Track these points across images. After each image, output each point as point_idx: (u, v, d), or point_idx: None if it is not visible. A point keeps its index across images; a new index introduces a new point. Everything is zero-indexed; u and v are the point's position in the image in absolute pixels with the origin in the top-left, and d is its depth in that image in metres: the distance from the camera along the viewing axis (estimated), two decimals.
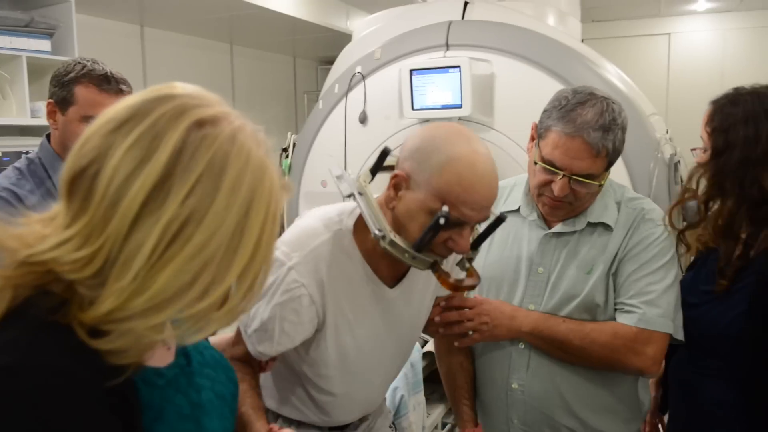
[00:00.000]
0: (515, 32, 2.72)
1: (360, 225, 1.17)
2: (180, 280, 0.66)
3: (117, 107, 0.71)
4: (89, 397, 0.64)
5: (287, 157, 3.37)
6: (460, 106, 2.64)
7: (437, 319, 1.33)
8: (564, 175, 1.29)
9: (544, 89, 2.60)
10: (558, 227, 1.41)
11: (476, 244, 1.17)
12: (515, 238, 1.45)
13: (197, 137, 0.68)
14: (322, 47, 5.75)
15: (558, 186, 1.30)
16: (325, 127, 3.14)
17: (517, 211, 1.46)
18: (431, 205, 1.05)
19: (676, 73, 5.64)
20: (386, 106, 2.91)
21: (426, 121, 2.79)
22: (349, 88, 3.02)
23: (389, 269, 1.20)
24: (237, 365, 1.10)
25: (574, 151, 1.27)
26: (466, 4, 3.00)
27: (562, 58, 2.66)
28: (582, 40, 4.11)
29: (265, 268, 0.74)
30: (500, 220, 1.13)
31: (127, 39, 4.27)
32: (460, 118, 2.71)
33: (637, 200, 1.43)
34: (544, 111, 1.34)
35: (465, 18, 2.93)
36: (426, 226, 1.06)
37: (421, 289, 1.27)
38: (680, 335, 1.36)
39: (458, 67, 2.61)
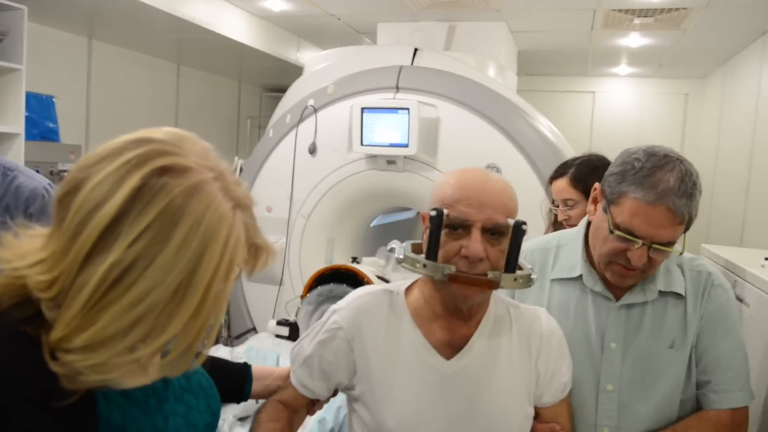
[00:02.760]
0: (461, 81, 2.94)
1: (411, 287, 1.16)
2: (118, 324, 0.66)
3: (110, 142, 0.72)
4: (32, 410, 0.66)
5: None
6: (406, 146, 2.82)
7: None
8: (643, 244, 1.18)
9: (484, 135, 2.85)
10: (627, 298, 1.28)
11: (509, 260, 1.05)
12: (578, 308, 1.31)
13: (156, 184, 0.67)
14: (268, 74, 5.83)
15: (636, 255, 1.18)
16: (274, 154, 3.24)
17: (578, 279, 1.32)
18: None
19: (599, 128, 6.09)
20: (336, 139, 3.05)
21: (374, 156, 2.95)
22: (301, 119, 3.14)
23: (443, 332, 1.11)
24: (279, 408, 1.15)
25: (657, 220, 1.17)
26: (415, 50, 3.21)
27: (502, 109, 2.89)
28: (517, 92, 4.44)
29: (213, 326, 0.73)
30: (518, 228, 1.03)
31: (74, 50, 4.22)
32: (405, 157, 2.89)
33: (696, 260, 1.34)
34: (613, 174, 1.21)
35: (414, 63, 3.13)
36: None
37: (502, 373, 1.11)
38: (753, 398, 1.30)
39: (407, 109, 2.80)
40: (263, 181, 3.25)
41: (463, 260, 1.03)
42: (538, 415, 1.15)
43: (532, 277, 1.07)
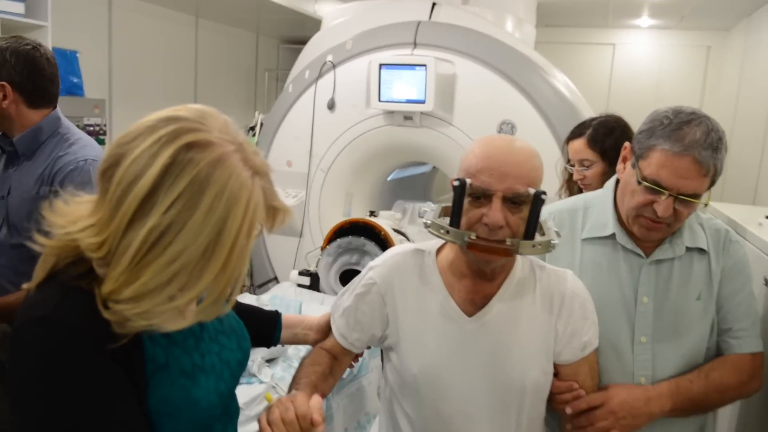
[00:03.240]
0: (478, 38, 2.96)
1: (443, 247, 1.25)
2: (158, 279, 0.76)
3: (142, 120, 0.80)
4: (91, 351, 0.77)
5: (254, 135, 3.52)
6: (423, 102, 2.87)
7: (569, 427, 1.24)
8: (669, 195, 1.23)
9: (501, 92, 2.89)
10: (657, 254, 1.34)
11: (528, 228, 1.09)
12: (610, 267, 1.36)
13: (185, 158, 0.76)
14: (285, 27, 5.81)
15: (662, 206, 1.24)
16: (294, 110, 3.31)
17: (610, 237, 1.37)
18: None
19: (618, 81, 6.02)
20: (354, 95, 3.11)
21: (391, 112, 3.01)
22: (320, 75, 3.20)
23: (467, 291, 1.19)
24: (321, 353, 1.25)
25: (684, 171, 1.22)
26: (433, 5, 3.21)
27: (518, 65, 2.92)
28: (536, 43, 4.42)
29: (238, 277, 0.82)
30: (537, 197, 1.07)
31: (95, 5, 4.26)
32: (422, 113, 2.95)
33: (712, 220, 1.42)
34: (642, 132, 1.28)
35: (432, 19, 3.15)
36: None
37: (521, 332, 1.18)
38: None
39: (424, 65, 2.84)
40: (283, 136, 3.34)
41: (483, 227, 1.08)
42: (558, 373, 1.21)
43: (552, 242, 1.11)
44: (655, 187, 1.22)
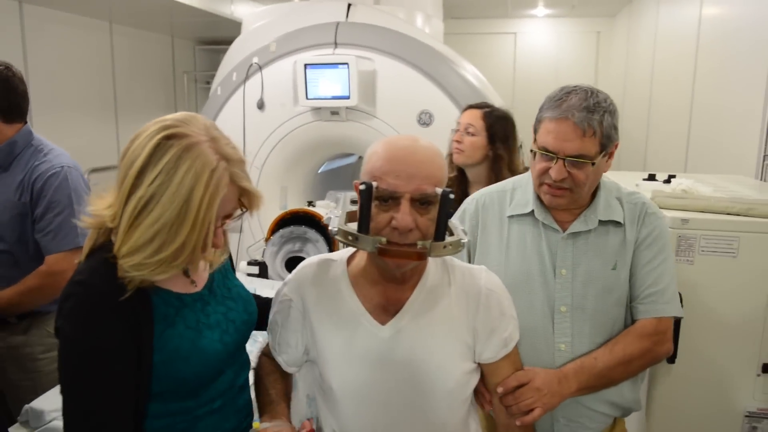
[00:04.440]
0: (393, 36, 3.22)
1: (354, 254, 1.22)
2: (144, 237, 1.01)
3: (145, 125, 1.05)
4: (107, 306, 1.03)
5: None
6: (348, 97, 3.11)
7: (486, 408, 1.27)
8: (558, 158, 1.33)
9: (417, 84, 3.19)
10: (572, 227, 1.41)
11: (438, 229, 1.08)
12: (532, 241, 1.43)
13: (165, 145, 1.01)
14: (200, 28, 5.86)
15: (555, 169, 1.33)
16: (224, 111, 3.46)
17: (530, 214, 1.45)
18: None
19: (521, 66, 6.51)
20: (282, 94, 3.30)
21: (318, 109, 3.24)
22: (247, 77, 3.36)
23: (380, 297, 1.16)
24: (268, 361, 1.29)
25: (564, 133, 1.32)
26: (349, 6, 3.45)
27: (430, 59, 3.21)
28: (444, 35, 4.75)
29: (204, 239, 1.04)
30: (445, 197, 1.05)
31: (6, 14, 4.20)
32: (347, 108, 3.19)
33: (634, 195, 1.47)
34: (539, 110, 1.39)
35: (349, 19, 3.38)
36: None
37: (438, 334, 1.16)
38: (681, 313, 1.43)
39: (347, 63, 3.07)
40: None
41: (393, 231, 1.06)
42: (481, 371, 1.22)
43: (462, 241, 1.10)
44: (544, 152, 1.35)
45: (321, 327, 1.18)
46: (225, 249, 1.23)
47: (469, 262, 1.51)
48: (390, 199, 1.06)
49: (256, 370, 1.29)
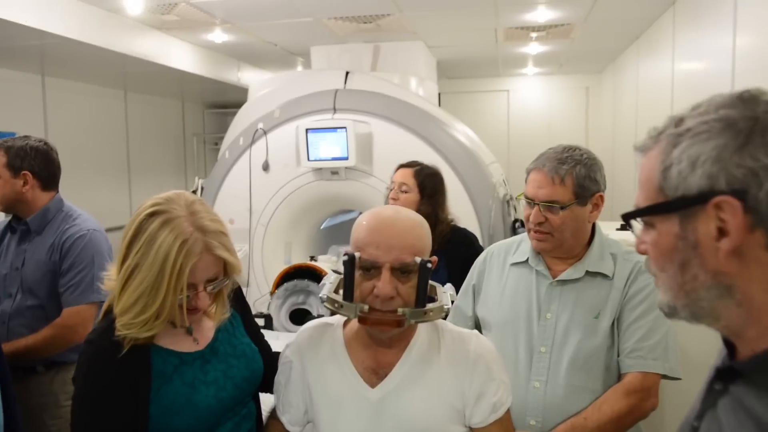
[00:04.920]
0: (388, 101, 3.48)
1: (348, 319, 1.25)
2: (130, 300, 1.15)
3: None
4: (108, 362, 1.17)
5: None
6: (347, 158, 3.34)
7: None
8: (535, 204, 1.49)
9: (411, 145, 3.42)
10: (562, 275, 1.51)
11: (418, 296, 1.12)
12: (525, 287, 1.54)
13: (146, 223, 1.16)
14: (209, 93, 6.22)
15: (532, 214, 1.49)
16: (232, 173, 3.69)
17: (526, 262, 1.56)
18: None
19: (514, 121, 6.79)
20: (285, 156, 3.54)
21: (319, 169, 3.47)
22: (253, 141, 3.62)
23: (370, 360, 1.20)
24: (278, 423, 1.31)
25: (538, 182, 1.49)
26: (347, 74, 3.73)
27: (423, 121, 3.45)
28: (439, 94, 5.04)
29: (178, 302, 1.16)
30: (423, 266, 1.10)
31: (29, 87, 4.52)
32: (346, 168, 3.42)
33: (631, 253, 1.53)
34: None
35: (347, 86, 3.66)
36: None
37: (426, 398, 1.17)
38: (678, 374, 1.45)
39: (345, 127, 3.32)
40: (224, 196, 3.71)
41: (376, 298, 1.11)
42: None
43: (445, 307, 1.15)
44: (527, 200, 1.52)
45: (317, 388, 1.22)
46: (226, 308, 1.32)
47: (473, 302, 1.67)
48: (372, 269, 1.11)
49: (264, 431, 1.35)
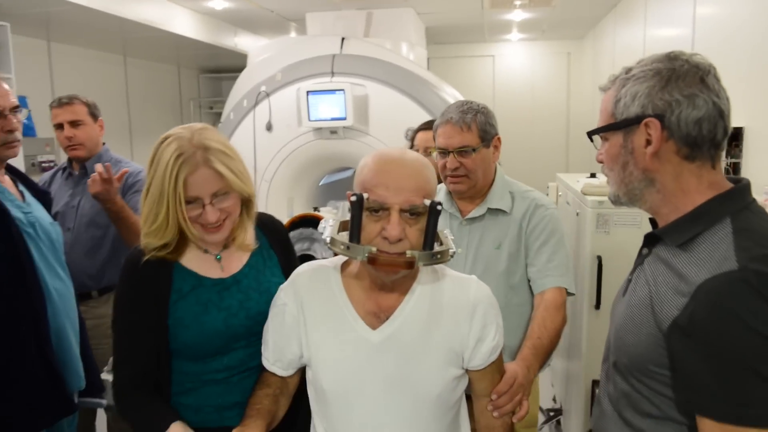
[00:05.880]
0: (382, 65, 3.75)
1: (348, 261, 1.25)
2: (146, 213, 1.28)
3: None
4: (135, 271, 1.30)
5: None
6: (345, 119, 3.62)
7: (496, 414, 1.27)
8: (449, 152, 1.67)
9: (403, 106, 3.71)
10: (469, 215, 1.72)
11: (426, 239, 1.12)
12: (441, 226, 1.48)
13: (159, 146, 1.26)
14: (203, 58, 6.40)
15: (448, 161, 1.67)
16: (237, 133, 3.96)
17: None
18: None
19: (500, 86, 7.05)
20: (287, 117, 3.81)
21: (319, 129, 3.75)
22: (257, 103, 3.87)
23: (371, 303, 1.19)
24: (266, 375, 1.30)
25: (448, 133, 1.67)
26: (342, 39, 3.98)
27: (415, 84, 3.73)
28: (428, 59, 5.29)
29: (179, 212, 1.24)
30: (433, 208, 1.10)
31: (36, 53, 4.71)
32: (344, 127, 3.70)
33: (528, 192, 1.75)
34: (433, 129, 1.76)
35: (343, 51, 3.91)
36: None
37: (426, 340, 1.18)
38: (575, 290, 1.68)
39: (343, 90, 3.59)
40: None
41: (383, 241, 1.09)
42: (469, 377, 1.24)
43: (451, 251, 1.14)
44: (440, 150, 1.70)
45: (315, 330, 1.21)
46: (249, 235, 1.39)
47: None
48: (380, 210, 1.09)
49: (255, 382, 1.32)
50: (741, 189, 1.00)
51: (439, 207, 1.10)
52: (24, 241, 1.64)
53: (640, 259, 1.09)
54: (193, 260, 1.36)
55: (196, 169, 1.23)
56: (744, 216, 0.96)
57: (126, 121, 5.80)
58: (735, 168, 2.41)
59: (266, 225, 1.47)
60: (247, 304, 1.35)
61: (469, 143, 1.66)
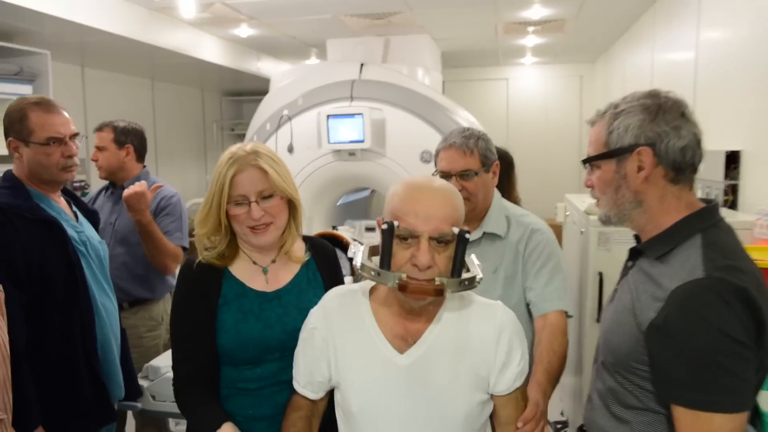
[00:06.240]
0: (399, 90, 3.92)
1: (377, 285, 1.27)
2: (200, 216, 1.38)
3: None
4: (189, 278, 1.39)
5: None
6: (363, 141, 3.78)
7: None
8: (451, 175, 1.69)
9: (419, 129, 3.88)
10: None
11: (455, 266, 1.14)
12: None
13: (221, 157, 1.37)
14: (226, 81, 6.65)
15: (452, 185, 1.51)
16: None
17: None
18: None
19: (513, 108, 7.21)
20: (308, 140, 3.98)
21: (338, 151, 3.92)
22: (279, 126, 4.07)
23: (399, 327, 1.21)
24: (292, 416, 1.32)
25: (451, 156, 1.70)
26: (362, 66, 4.17)
27: (430, 108, 3.89)
28: (444, 82, 5.46)
29: (224, 215, 1.35)
30: (461, 236, 1.12)
31: (71, 78, 4.97)
32: (362, 150, 3.87)
33: (524, 216, 1.76)
34: (434, 153, 1.80)
35: (362, 76, 4.10)
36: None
37: (452, 365, 1.20)
38: (573, 313, 1.68)
39: (361, 114, 3.76)
40: None
41: (413, 267, 1.12)
42: (494, 402, 1.25)
43: (478, 277, 1.16)
44: (443, 173, 1.72)
45: (344, 353, 1.24)
46: (296, 242, 1.47)
47: None
48: (410, 238, 1.13)
49: (287, 405, 1.35)
50: (711, 209, 1.14)
51: (467, 235, 1.13)
52: (80, 262, 1.76)
53: (625, 270, 1.23)
54: (242, 270, 1.44)
55: (244, 168, 1.34)
56: (712, 232, 1.10)
57: (152, 142, 6.02)
58: (734, 189, 2.53)
59: (316, 247, 1.54)
60: (284, 318, 1.41)
61: (471, 167, 1.70)
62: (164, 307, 2.58)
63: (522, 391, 1.26)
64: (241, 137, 7.34)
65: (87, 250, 1.85)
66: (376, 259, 1.16)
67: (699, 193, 3.15)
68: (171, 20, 4.39)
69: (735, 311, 0.99)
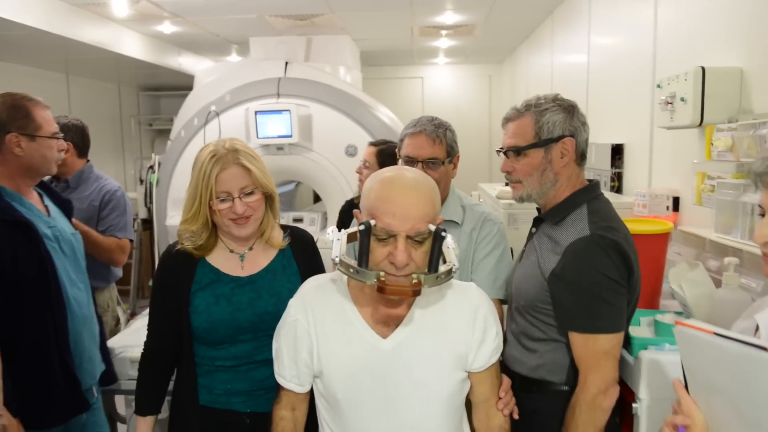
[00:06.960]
0: (323, 87, 4.13)
1: None
2: (185, 206, 1.46)
3: None
4: (167, 263, 1.51)
5: (154, 172, 4.37)
6: (290, 136, 3.97)
7: (506, 411, 1.32)
8: (417, 161, 1.68)
9: (343, 125, 4.13)
10: None
11: (430, 262, 1.15)
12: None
13: (200, 152, 1.45)
14: (143, 76, 6.58)
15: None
16: (187, 150, 4.20)
17: None
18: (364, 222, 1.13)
19: (428, 105, 7.59)
20: (236, 134, 3.97)
21: (267, 145, 4.08)
22: (207, 122, 4.17)
23: (380, 315, 1.22)
24: (280, 416, 1.33)
25: (419, 143, 1.69)
26: (286, 64, 4.35)
27: (353, 104, 4.13)
28: (363, 80, 5.72)
29: (209, 203, 1.42)
30: (438, 234, 1.13)
31: None
32: (290, 144, 4.05)
33: (477, 206, 1.80)
34: (400, 137, 1.78)
35: (287, 74, 4.27)
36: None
37: (433, 347, 1.23)
38: (502, 296, 1.71)
39: (288, 110, 3.95)
40: (180, 172, 4.20)
41: (391, 265, 1.13)
42: (471, 380, 1.29)
43: (454, 267, 1.16)
44: (408, 159, 1.72)
45: (327, 342, 1.25)
46: (273, 228, 1.54)
47: None
48: (387, 237, 1.13)
49: (273, 400, 1.36)
50: (594, 186, 1.49)
51: (443, 233, 1.14)
52: (51, 261, 1.75)
53: (530, 236, 1.55)
54: (219, 258, 1.53)
55: (228, 166, 1.41)
56: (595, 203, 1.45)
57: None
58: (619, 176, 2.96)
59: (294, 236, 1.60)
60: (256, 302, 1.50)
61: (437, 155, 1.71)
62: (110, 294, 2.65)
63: (497, 369, 1.31)
64: (159, 132, 7.28)
65: (60, 245, 1.85)
66: (352, 262, 1.16)
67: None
68: (93, 16, 4.38)
69: (612, 258, 1.31)
